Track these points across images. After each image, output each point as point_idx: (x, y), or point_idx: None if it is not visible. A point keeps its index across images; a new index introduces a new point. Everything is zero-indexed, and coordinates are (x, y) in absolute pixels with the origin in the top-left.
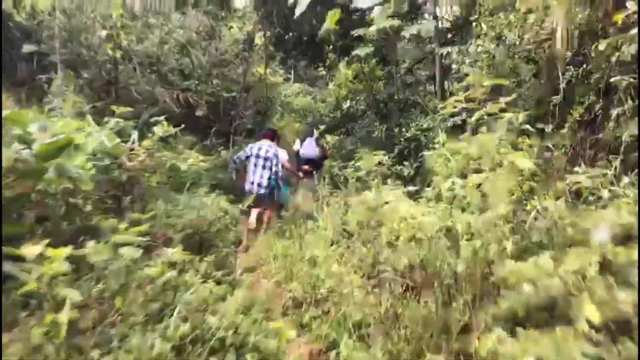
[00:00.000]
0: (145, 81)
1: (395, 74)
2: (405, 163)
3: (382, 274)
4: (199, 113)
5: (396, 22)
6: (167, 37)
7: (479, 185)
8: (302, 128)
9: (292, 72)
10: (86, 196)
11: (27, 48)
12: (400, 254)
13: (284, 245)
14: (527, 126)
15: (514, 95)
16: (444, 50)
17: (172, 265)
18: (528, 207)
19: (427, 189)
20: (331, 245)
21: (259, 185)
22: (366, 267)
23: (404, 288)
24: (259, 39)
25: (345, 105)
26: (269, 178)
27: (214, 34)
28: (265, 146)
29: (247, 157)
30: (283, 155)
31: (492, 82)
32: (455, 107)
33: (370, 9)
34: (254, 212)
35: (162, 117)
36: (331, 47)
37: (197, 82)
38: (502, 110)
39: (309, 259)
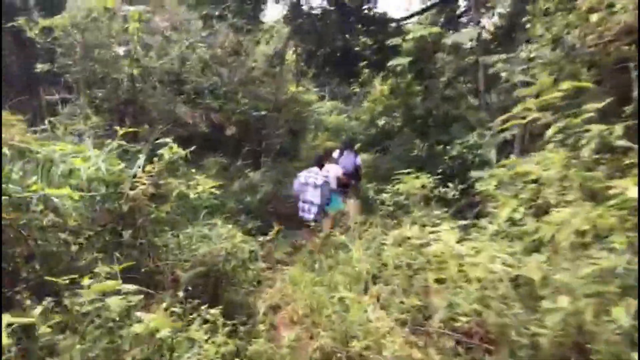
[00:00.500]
0: (166, 100)
1: (434, 87)
2: (450, 185)
3: (432, 327)
4: (228, 133)
5: (436, 29)
6: (189, 53)
7: (561, 222)
8: (339, 143)
9: (327, 89)
10: (77, 231)
11: (41, 67)
12: (455, 305)
13: (312, 279)
14: (624, 142)
15: (607, 100)
16: (490, 59)
17: (172, 314)
18: None
19: (481, 220)
20: (365, 286)
21: (309, 212)
22: (410, 317)
23: (460, 348)
24: (289, 55)
25: (381, 122)
26: (319, 205)
27: (241, 49)
28: (312, 174)
29: (300, 185)
30: (334, 172)
31: (571, 85)
32: (524, 116)
33: (406, 18)
34: (307, 232)
35: (168, 139)
36: (365, 61)
37: (223, 100)
38: (588, 122)
39: (340, 300)
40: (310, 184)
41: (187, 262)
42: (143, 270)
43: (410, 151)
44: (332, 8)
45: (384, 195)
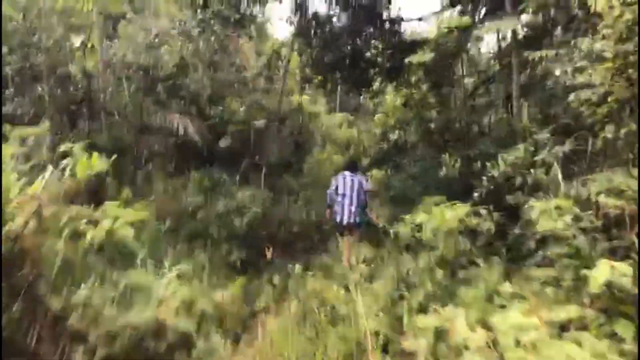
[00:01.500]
0: (133, 101)
1: (454, 97)
2: (483, 212)
3: None
4: (222, 144)
5: (466, 20)
6: (160, 43)
7: None
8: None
9: (337, 100)
10: None
11: None
12: None
13: (302, 343)
14: None
15: None
16: (534, 54)
17: None
18: None
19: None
20: None
21: (349, 214)
22: None
23: None
24: (294, 58)
25: (394, 135)
26: (357, 207)
27: (229, 44)
28: (348, 177)
29: (336, 189)
30: (364, 181)
31: None
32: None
33: (421, 19)
34: (346, 240)
35: (77, 144)
36: (378, 69)
37: (210, 105)
38: None
39: None
40: (348, 184)
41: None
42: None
43: (429, 170)
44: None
45: (400, 227)
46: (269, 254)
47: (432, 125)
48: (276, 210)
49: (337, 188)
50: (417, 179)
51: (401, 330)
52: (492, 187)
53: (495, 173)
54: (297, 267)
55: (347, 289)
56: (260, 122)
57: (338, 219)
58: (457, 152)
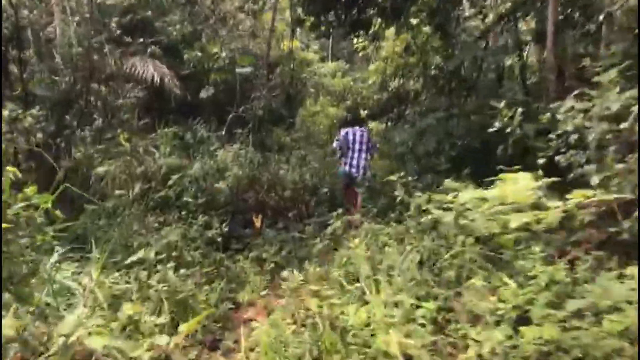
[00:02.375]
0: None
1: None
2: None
3: None
4: (203, 95)
5: None
6: None
7: None
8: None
9: (330, 47)
10: None
11: None
12: None
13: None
14: None
15: None
16: None
17: None
18: None
19: None
20: None
21: (357, 167)
22: None
23: None
24: None
25: (394, 84)
26: (366, 159)
27: None
28: (358, 131)
29: (346, 141)
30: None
31: None
32: None
33: None
34: (350, 192)
35: None
36: (377, 8)
37: (187, 46)
38: None
39: None
40: (358, 138)
41: None
42: None
43: (441, 122)
44: None
45: (431, 207)
46: (257, 223)
47: (438, 72)
48: (265, 172)
49: (347, 140)
50: (427, 134)
51: None
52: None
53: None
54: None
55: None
56: (246, 69)
57: (348, 170)
58: (470, 102)
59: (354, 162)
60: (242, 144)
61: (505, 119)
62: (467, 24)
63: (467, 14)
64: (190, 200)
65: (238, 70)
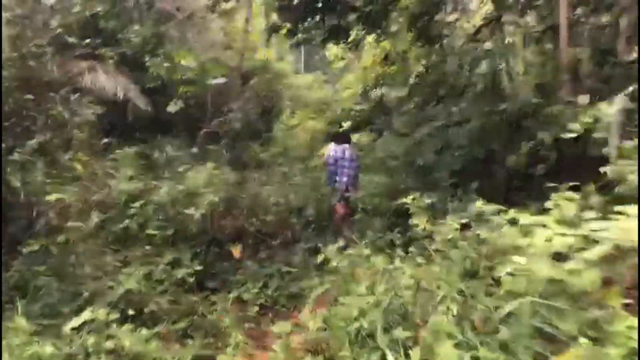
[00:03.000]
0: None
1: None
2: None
3: None
4: (171, 108)
5: None
6: None
7: None
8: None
9: (302, 59)
10: None
11: None
12: None
13: None
14: None
15: None
16: None
17: None
18: None
19: None
20: None
21: (347, 183)
22: None
23: None
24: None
25: (376, 93)
26: (355, 176)
27: None
28: (346, 148)
29: (335, 160)
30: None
31: None
32: None
33: None
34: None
35: None
36: (357, 14)
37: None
38: None
39: None
40: (347, 157)
41: None
42: None
43: (441, 130)
44: None
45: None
46: (237, 253)
47: (420, 80)
48: (244, 194)
49: (336, 158)
50: (423, 145)
51: None
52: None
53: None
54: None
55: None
56: (218, 80)
57: (338, 186)
58: (464, 109)
59: (344, 178)
60: (217, 161)
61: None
62: (453, 28)
63: (450, 18)
64: (155, 232)
65: (209, 81)
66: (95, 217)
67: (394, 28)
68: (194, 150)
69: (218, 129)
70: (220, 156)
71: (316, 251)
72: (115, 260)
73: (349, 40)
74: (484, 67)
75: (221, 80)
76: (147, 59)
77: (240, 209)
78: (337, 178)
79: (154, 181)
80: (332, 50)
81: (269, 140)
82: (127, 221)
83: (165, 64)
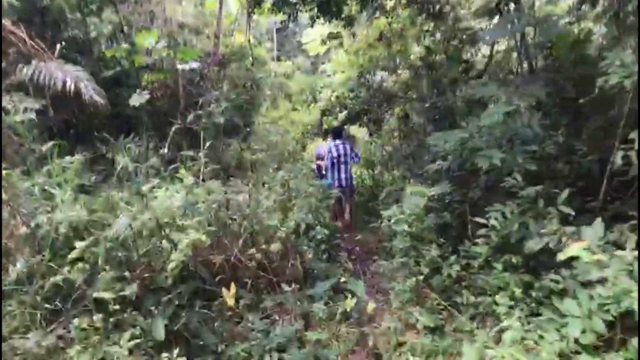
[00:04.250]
0: None
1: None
2: None
3: None
4: (135, 101)
5: None
6: None
7: None
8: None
9: (275, 44)
10: None
11: None
12: None
13: None
14: None
15: None
16: None
17: None
18: None
19: None
20: None
21: (344, 179)
22: None
23: None
24: None
25: (373, 79)
26: (350, 171)
27: None
28: (341, 144)
29: (331, 157)
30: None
31: None
32: None
33: None
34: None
35: None
36: None
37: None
38: None
39: None
40: (341, 151)
41: None
42: None
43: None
44: None
45: None
46: (230, 300)
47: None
48: (235, 210)
49: (331, 156)
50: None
51: None
52: None
53: None
54: None
55: None
56: (191, 65)
57: (337, 184)
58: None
59: (342, 175)
60: (194, 167)
61: None
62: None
63: None
64: (107, 296)
65: (180, 66)
66: (18, 266)
67: (391, 3)
68: (164, 151)
69: (193, 125)
70: (198, 160)
71: (338, 290)
72: (44, 338)
73: (343, 17)
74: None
75: (194, 64)
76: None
77: (232, 236)
78: (336, 175)
79: (110, 205)
80: (311, 35)
81: (249, 135)
82: (67, 269)
83: (125, 45)
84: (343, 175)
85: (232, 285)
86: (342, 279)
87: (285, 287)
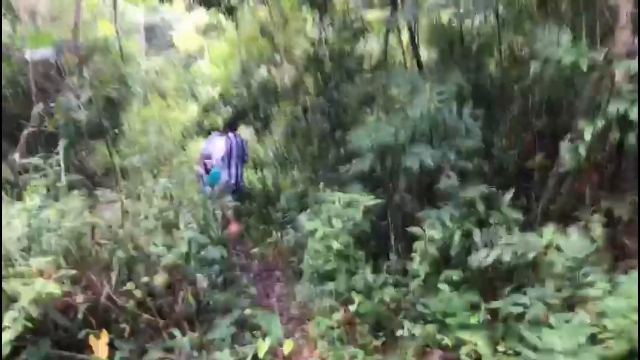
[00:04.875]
0: None
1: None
2: None
3: None
4: None
5: None
6: None
7: None
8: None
9: (143, 39)
10: None
11: None
12: None
13: None
14: None
15: None
16: None
17: None
18: None
19: None
20: None
21: (241, 176)
22: None
23: None
24: None
25: (262, 73)
26: (241, 169)
27: None
28: (233, 138)
29: (228, 150)
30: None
31: None
32: None
33: None
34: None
35: None
36: None
37: None
38: None
39: None
40: (234, 144)
41: None
42: None
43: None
44: None
45: None
46: (101, 351)
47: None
48: (105, 235)
49: (227, 149)
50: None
51: None
52: None
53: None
54: None
55: None
56: (43, 53)
57: (232, 181)
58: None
59: (239, 170)
60: (49, 178)
61: None
62: None
63: None
64: None
65: (30, 55)
66: None
67: None
68: (14, 157)
69: (53, 127)
70: (53, 168)
71: (239, 323)
72: None
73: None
74: None
75: (47, 53)
76: None
77: (101, 269)
78: (233, 171)
79: None
80: (183, 29)
81: (117, 138)
82: None
83: None
84: (240, 171)
85: (104, 333)
86: (247, 311)
87: (175, 332)
